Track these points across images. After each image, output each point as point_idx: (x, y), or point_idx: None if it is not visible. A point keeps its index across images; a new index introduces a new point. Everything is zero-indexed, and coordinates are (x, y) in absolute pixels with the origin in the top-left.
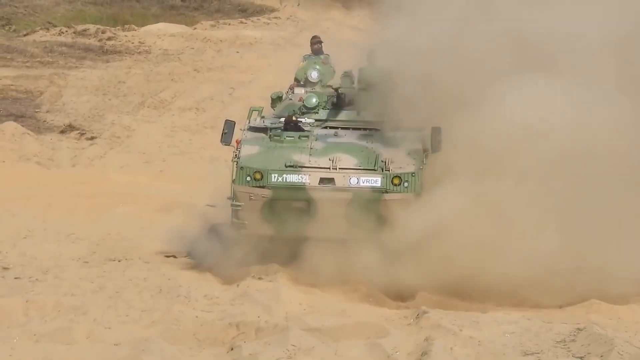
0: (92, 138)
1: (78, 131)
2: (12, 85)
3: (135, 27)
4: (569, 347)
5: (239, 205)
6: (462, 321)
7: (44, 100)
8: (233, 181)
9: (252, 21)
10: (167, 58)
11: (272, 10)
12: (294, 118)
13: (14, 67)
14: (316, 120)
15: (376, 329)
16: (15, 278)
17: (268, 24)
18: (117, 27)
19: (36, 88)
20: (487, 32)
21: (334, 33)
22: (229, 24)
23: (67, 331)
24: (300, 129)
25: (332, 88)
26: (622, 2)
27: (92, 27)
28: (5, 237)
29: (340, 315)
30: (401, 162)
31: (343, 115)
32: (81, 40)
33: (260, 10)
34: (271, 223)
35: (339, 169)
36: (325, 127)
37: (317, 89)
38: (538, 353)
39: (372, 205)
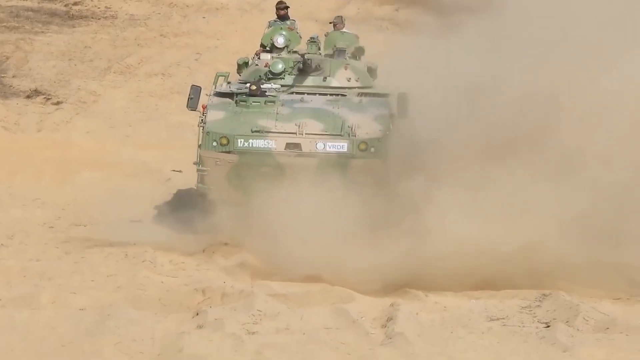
0: (58, 103)
1: (44, 96)
2: None
3: None
4: (534, 313)
5: (205, 170)
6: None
7: (10, 65)
8: (199, 146)
9: None
10: (134, 23)
11: None
12: (253, 88)
13: None
14: (282, 85)
15: (342, 295)
16: None
17: None
18: None
19: (2, 53)
20: None
21: None
22: None
23: (32, 296)
24: (265, 95)
25: (299, 54)
26: None
27: None
28: None
29: (306, 281)
30: (368, 128)
31: (309, 80)
32: (47, 5)
33: None
34: (237, 188)
35: (306, 134)
36: (292, 93)
37: (284, 54)
38: (503, 319)
39: (339, 171)
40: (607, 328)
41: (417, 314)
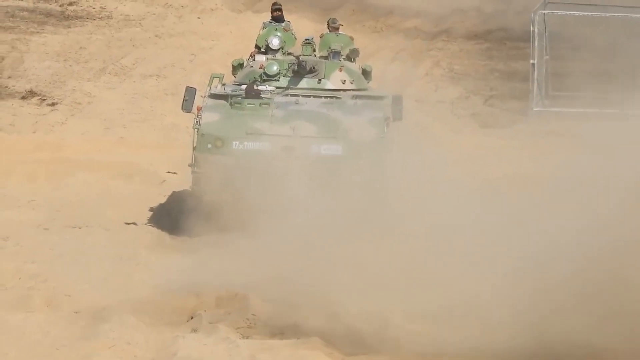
0: (53, 104)
1: (39, 97)
2: None
3: None
4: None
5: (200, 172)
6: None
7: (6, 66)
8: (194, 148)
9: None
10: (129, 24)
11: None
12: (255, 87)
13: None
14: (277, 87)
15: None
16: None
17: None
18: None
19: None
20: None
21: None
22: None
23: (26, 299)
24: (260, 97)
25: (293, 55)
26: None
27: None
28: None
29: None
30: (362, 131)
31: (304, 82)
32: (42, 5)
33: None
34: (232, 190)
35: (300, 136)
36: (286, 95)
37: (278, 56)
38: None
39: (333, 174)
40: None
41: None
